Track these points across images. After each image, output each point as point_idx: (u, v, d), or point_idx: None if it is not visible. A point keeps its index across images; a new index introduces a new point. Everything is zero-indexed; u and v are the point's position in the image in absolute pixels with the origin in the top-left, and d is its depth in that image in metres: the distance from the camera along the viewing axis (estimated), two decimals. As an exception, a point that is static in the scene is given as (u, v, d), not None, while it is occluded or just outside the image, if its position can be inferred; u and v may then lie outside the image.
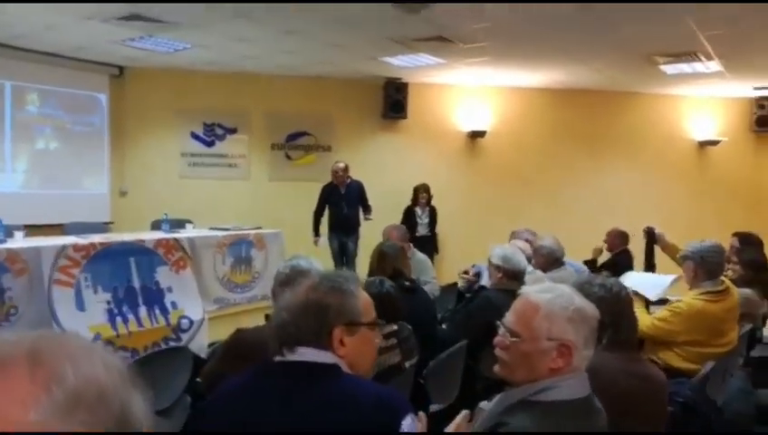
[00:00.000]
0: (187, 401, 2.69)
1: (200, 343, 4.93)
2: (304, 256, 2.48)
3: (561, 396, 1.45)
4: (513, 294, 3.36)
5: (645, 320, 3.02)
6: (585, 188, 8.79)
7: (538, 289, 1.57)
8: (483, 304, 3.22)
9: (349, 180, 7.00)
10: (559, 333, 1.47)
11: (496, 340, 1.57)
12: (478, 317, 3.15)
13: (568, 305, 1.49)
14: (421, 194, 7.88)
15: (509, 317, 1.57)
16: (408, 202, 8.04)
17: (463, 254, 8.02)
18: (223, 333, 5.49)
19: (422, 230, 7.77)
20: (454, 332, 3.24)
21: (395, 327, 2.56)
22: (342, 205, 6.94)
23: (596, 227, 8.29)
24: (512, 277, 3.30)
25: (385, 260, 3.40)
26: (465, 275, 4.77)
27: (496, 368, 1.57)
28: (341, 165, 7.00)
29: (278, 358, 1.48)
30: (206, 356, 3.18)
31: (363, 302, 1.55)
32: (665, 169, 8.83)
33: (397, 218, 7.88)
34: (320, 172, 8.08)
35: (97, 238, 4.85)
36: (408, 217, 7.86)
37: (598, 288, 2.09)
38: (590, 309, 1.51)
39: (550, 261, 4.23)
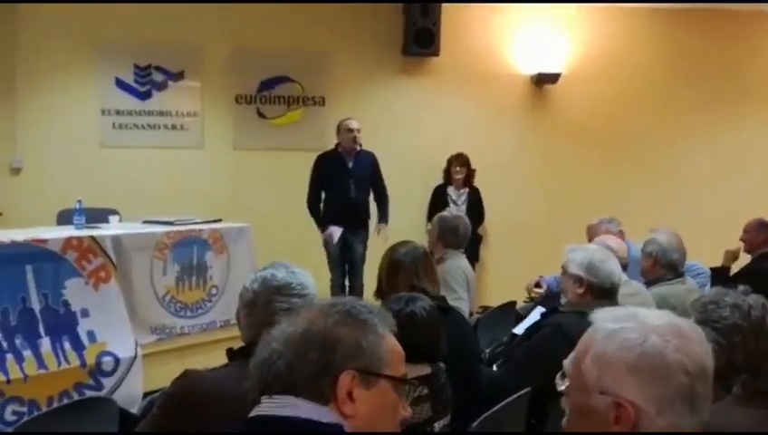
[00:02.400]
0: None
1: (131, 393, 4.95)
2: (284, 263, 2.48)
3: None
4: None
5: None
6: (711, 159, 8.70)
7: (611, 313, 1.57)
8: (552, 334, 3.21)
9: (359, 148, 7.00)
10: (613, 386, 1.46)
11: (558, 383, 1.61)
12: (545, 354, 3.13)
13: (632, 346, 1.46)
14: (456, 168, 7.87)
15: (572, 353, 1.59)
16: (439, 180, 8.03)
17: (523, 261, 8.02)
18: (165, 376, 5.53)
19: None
20: (509, 376, 3.22)
21: (428, 370, 2.56)
22: (349, 184, 6.96)
23: (729, 218, 8.27)
24: (600, 295, 3.28)
25: (397, 274, 3.39)
26: (537, 290, 4.74)
27: (563, 422, 1.60)
28: (355, 123, 7.01)
29: (255, 411, 1.51)
30: (138, 411, 3.20)
31: (390, 347, 1.57)
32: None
33: (420, 207, 7.90)
34: (308, 136, 8.08)
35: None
36: (438, 204, 7.86)
37: (729, 311, 2.05)
38: (681, 357, 1.46)
39: (660, 267, 4.19)
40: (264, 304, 2.34)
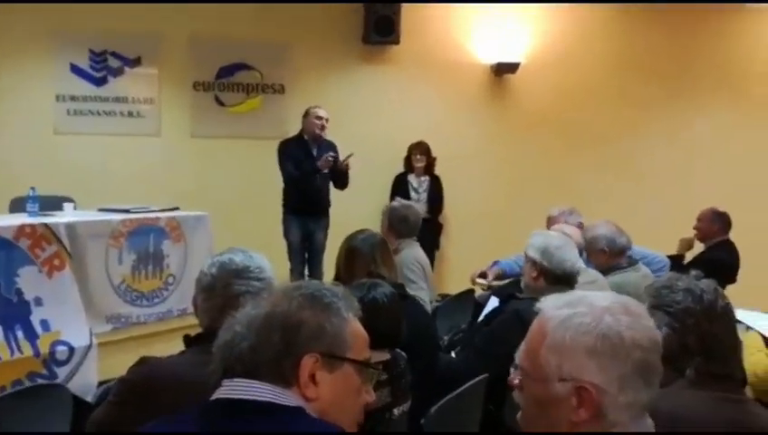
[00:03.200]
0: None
1: (86, 382, 4.90)
2: (241, 248, 2.47)
3: None
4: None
5: (760, 362, 3.08)
6: (667, 149, 8.82)
7: (559, 299, 1.58)
8: (510, 320, 3.23)
9: (323, 137, 6.99)
10: (574, 371, 1.47)
11: (510, 377, 1.62)
12: (502, 340, 3.15)
13: (590, 329, 1.48)
14: (416, 156, 7.89)
15: (522, 344, 1.60)
16: (400, 169, 8.04)
17: (482, 249, 8.06)
18: (121, 366, 5.47)
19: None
20: (467, 363, 3.24)
21: (387, 356, 2.56)
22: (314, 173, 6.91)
23: (685, 207, 8.38)
24: (554, 281, 3.31)
25: (354, 261, 3.41)
26: (480, 280, 4.77)
27: (518, 417, 1.61)
28: (324, 112, 6.98)
29: (217, 394, 1.51)
30: (93, 400, 3.16)
31: (354, 330, 1.58)
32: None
33: (381, 195, 7.90)
34: (268, 124, 8.05)
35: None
36: (399, 192, 7.87)
37: (682, 295, 2.08)
38: (634, 333, 1.49)
39: (613, 256, 4.25)
40: (223, 287, 2.34)
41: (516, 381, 1.58)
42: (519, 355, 1.59)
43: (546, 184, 8.49)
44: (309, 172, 6.80)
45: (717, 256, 5.87)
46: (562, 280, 3.36)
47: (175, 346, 5.95)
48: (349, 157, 6.84)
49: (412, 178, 7.96)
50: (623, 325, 1.48)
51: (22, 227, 5.00)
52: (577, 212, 5.13)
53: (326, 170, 6.79)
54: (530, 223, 8.29)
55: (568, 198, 7.99)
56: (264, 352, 1.49)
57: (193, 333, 2.47)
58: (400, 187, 7.94)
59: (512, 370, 1.61)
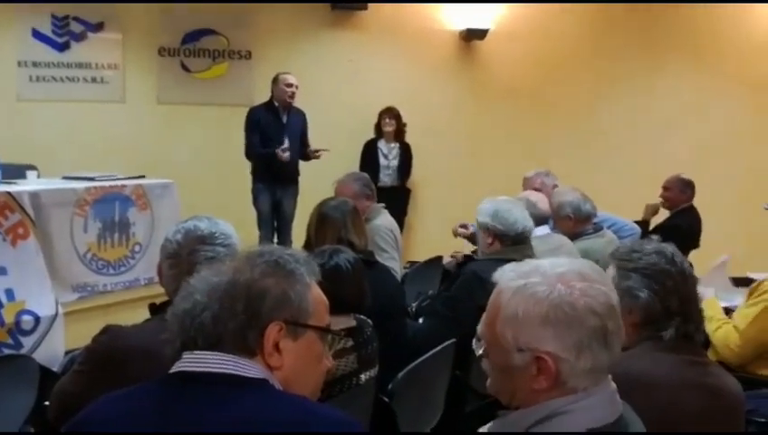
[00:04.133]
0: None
1: (52, 352, 4.89)
2: (207, 215, 2.46)
3: (573, 426, 1.47)
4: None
5: (730, 334, 3.15)
6: (634, 118, 8.87)
7: (513, 271, 1.58)
8: (469, 282, 3.27)
9: (292, 104, 6.96)
10: (530, 341, 1.49)
11: (473, 347, 1.63)
12: (463, 302, 3.20)
13: (542, 299, 1.49)
14: (386, 120, 7.88)
15: (483, 315, 1.61)
16: (368, 136, 8.03)
17: (450, 216, 8.08)
18: (87, 335, 5.46)
19: (387, 178, 7.81)
20: (432, 327, 3.27)
21: (353, 322, 2.58)
22: (284, 139, 6.88)
23: (651, 175, 8.47)
24: (510, 243, 3.37)
25: (325, 227, 3.43)
26: (462, 230, 4.80)
27: (488, 384, 1.62)
28: (293, 79, 6.95)
29: (178, 367, 1.49)
30: (59, 369, 3.16)
31: (315, 296, 1.57)
32: (753, 81, 8.95)
33: (351, 162, 7.89)
34: (234, 91, 8.00)
35: None
36: (368, 158, 7.86)
37: (656, 257, 2.10)
38: (588, 299, 1.50)
39: (579, 223, 4.29)
40: (188, 253, 2.33)
41: (480, 351, 1.60)
42: (480, 326, 1.60)
43: (515, 151, 8.52)
44: (270, 154, 6.78)
45: (682, 222, 5.94)
46: (516, 240, 3.43)
47: (141, 315, 5.92)
48: (321, 151, 6.89)
49: (382, 145, 7.94)
50: (576, 292, 1.49)
51: (-16, 196, 4.94)
52: (553, 174, 5.17)
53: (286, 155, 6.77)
54: (498, 189, 8.31)
55: (535, 164, 8.03)
56: (227, 322, 1.46)
57: (159, 301, 2.46)
58: (370, 153, 7.92)
59: (474, 341, 1.62)
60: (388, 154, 7.96)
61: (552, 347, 1.47)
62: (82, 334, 5.27)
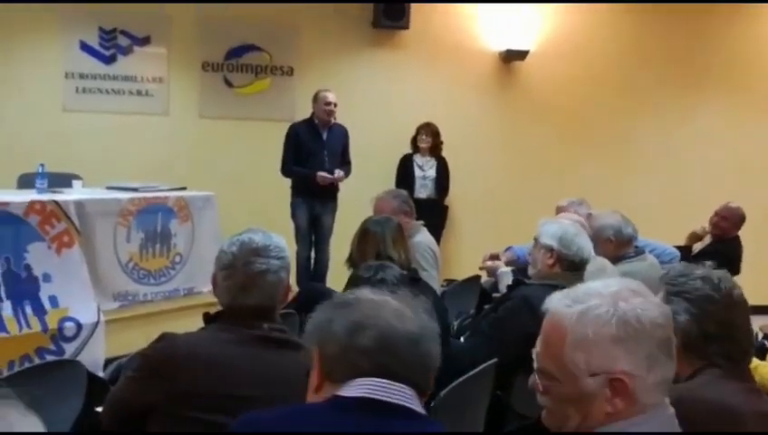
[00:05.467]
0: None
1: (92, 359, 4.93)
2: (260, 229, 2.50)
3: None
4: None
5: None
6: (670, 141, 8.82)
7: (565, 298, 1.58)
8: (518, 306, 3.26)
9: (334, 120, 6.98)
10: (603, 364, 1.49)
11: (530, 381, 1.62)
12: (511, 326, 3.18)
13: (608, 318, 1.49)
14: (422, 136, 7.88)
15: (538, 345, 1.61)
16: (407, 153, 8.05)
17: (486, 235, 8.09)
18: (127, 343, 5.51)
19: (423, 191, 7.80)
20: (476, 347, 3.26)
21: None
22: (324, 157, 6.93)
23: (685, 198, 8.42)
24: (570, 268, 3.35)
25: (366, 241, 3.45)
26: (489, 264, 4.76)
27: (543, 416, 1.61)
28: (332, 96, 6.99)
29: (359, 392, 1.55)
30: (106, 376, 3.18)
31: None
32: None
33: (387, 179, 7.92)
34: (276, 106, 8.05)
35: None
36: (404, 171, 7.86)
37: (700, 283, 2.10)
38: (650, 312, 1.51)
39: (621, 246, 4.27)
40: (243, 265, 2.36)
41: (540, 386, 1.58)
42: (538, 359, 1.59)
43: (551, 172, 8.50)
44: (306, 175, 6.84)
45: (726, 249, 5.86)
46: (578, 266, 3.40)
47: (181, 325, 5.99)
48: (339, 178, 6.95)
49: (417, 158, 7.93)
50: (638, 307, 1.50)
51: (32, 204, 5.01)
52: (586, 203, 5.13)
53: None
54: (534, 209, 8.32)
55: (572, 186, 8.03)
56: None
57: (212, 311, 2.49)
58: (406, 166, 7.91)
59: (533, 376, 1.60)
60: (424, 166, 7.94)
61: (626, 365, 1.47)
62: (123, 343, 5.38)
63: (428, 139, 7.86)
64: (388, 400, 1.51)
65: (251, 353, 2.26)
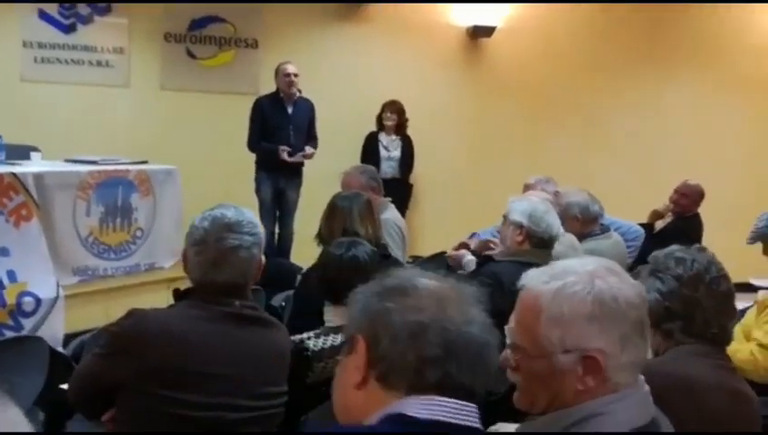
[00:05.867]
0: (38, 417, 2.66)
1: (52, 334, 4.85)
2: (232, 204, 2.45)
3: (611, 426, 1.46)
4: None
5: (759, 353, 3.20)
6: (637, 117, 8.88)
7: (542, 274, 1.57)
8: (486, 283, 3.23)
9: (298, 95, 6.90)
10: (577, 341, 1.48)
11: (501, 358, 1.57)
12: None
13: (584, 296, 1.49)
14: (387, 114, 7.84)
15: (511, 321, 1.60)
16: (371, 128, 8.00)
17: (451, 212, 8.10)
18: (87, 318, 5.45)
19: (388, 170, 7.78)
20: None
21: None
22: (289, 131, 6.87)
23: (650, 175, 8.48)
24: (539, 244, 3.35)
25: (333, 217, 3.44)
26: (454, 253, 4.63)
27: (516, 397, 1.59)
28: (292, 67, 6.90)
29: (409, 409, 1.36)
30: (69, 351, 3.12)
31: None
32: (755, 89, 8.96)
33: (354, 154, 7.88)
34: (240, 79, 7.96)
35: None
36: (369, 150, 7.84)
37: (674, 262, 2.16)
38: (626, 292, 1.51)
39: (587, 223, 4.28)
40: (215, 241, 2.31)
41: (512, 362, 1.57)
42: (512, 334, 1.57)
43: (517, 149, 8.52)
44: (272, 150, 6.77)
45: (687, 226, 5.93)
46: (547, 244, 3.42)
47: (142, 300, 5.95)
48: (307, 154, 6.89)
49: (383, 137, 7.90)
50: (614, 286, 1.50)
51: (-12, 177, 4.92)
52: (553, 181, 5.15)
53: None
54: (500, 187, 8.35)
55: (538, 163, 8.04)
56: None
57: (173, 286, 2.45)
58: (371, 145, 7.88)
59: (506, 351, 1.58)
60: (389, 146, 7.91)
61: (599, 343, 1.47)
62: (82, 318, 5.30)
63: (394, 117, 7.82)
64: (463, 423, 1.36)
65: (222, 330, 2.23)
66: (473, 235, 5.20)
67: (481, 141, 8.61)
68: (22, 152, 5.96)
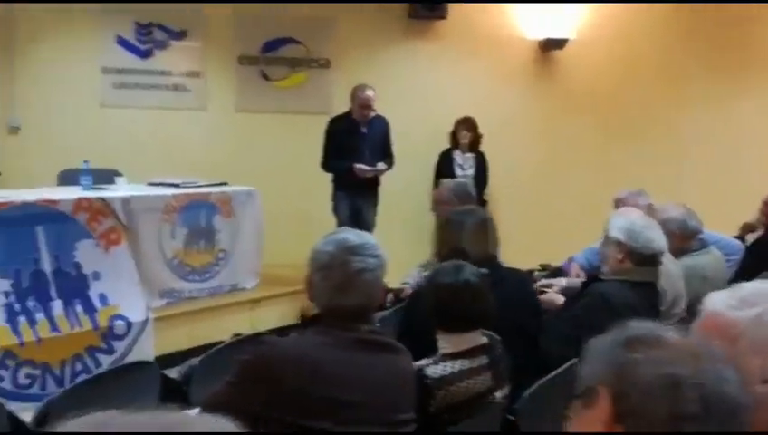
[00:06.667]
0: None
1: (142, 357, 4.89)
2: (349, 229, 2.43)
3: None
4: (646, 290, 3.29)
5: None
6: (714, 129, 8.69)
7: (729, 299, 1.50)
8: (596, 303, 3.15)
9: (373, 115, 6.88)
10: None
11: None
12: (589, 324, 3.08)
13: None
14: (462, 132, 7.80)
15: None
16: (443, 145, 7.96)
17: (525, 225, 7.99)
18: (172, 341, 5.49)
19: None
20: (553, 346, 3.17)
21: (484, 340, 2.52)
22: (363, 151, 6.82)
23: (728, 188, 8.26)
24: (641, 262, 3.24)
25: (443, 232, 3.42)
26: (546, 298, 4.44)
27: None
28: (370, 92, 6.83)
29: None
30: (178, 375, 3.12)
31: None
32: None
33: (426, 172, 7.84)
34: (313, 99, 7.99)
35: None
36: (444, 168, 7.79)
37: None
38: None
39: (685, 239, 4.16)
40: (341, 264, 2.27)
41: None
42: None
43: (591, 162, 8.41)
44: (347, 169, 6.73)
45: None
46: (649, 261, 3.28)
47: (225, 323, 5.98)
48: (381, 171, 6.86)
49: (457, 155, 7.84)
50: None
51: (79, 201, 5.02)
52: (645, 194, 5.01)
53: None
54: (573, 201, 8.31)
55: (613, 177, 7.92)
56: None
57: (311, 313, 2.41)
58: (445, 163, 7.84)
59: None
60: (464, 164, 7.85)
61: None
62: (168, 341, 5.33)
63: (468, 134, 7.76)
64: None
65: (351, 357, 2.20)
66: (570, 260, 5.04)
67: (555, 154, 8.50)
68: (107, 177, 6.06)
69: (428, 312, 2.65)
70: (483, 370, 2.50)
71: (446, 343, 2.58)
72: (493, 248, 3.58)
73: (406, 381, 2.31)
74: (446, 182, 5.20)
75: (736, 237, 5.83)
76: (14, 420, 2.62)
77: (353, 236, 2.34)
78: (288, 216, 7.42)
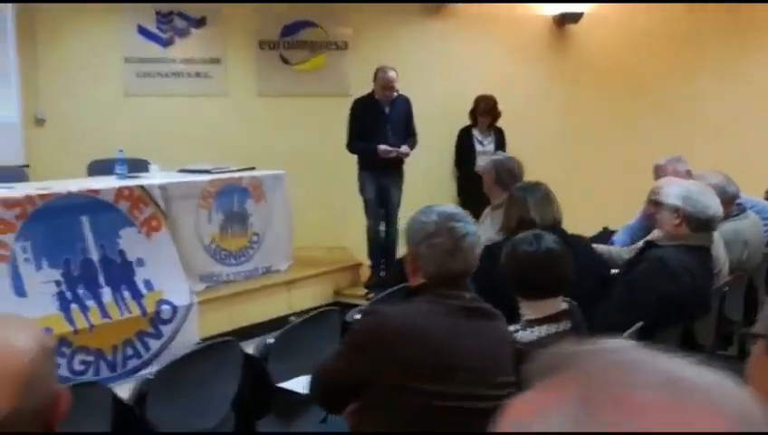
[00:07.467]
0: (231, 420, 2.72)
1: (188, 340, 5.00)
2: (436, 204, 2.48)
3: None
4: (701, 254, 3.35)
5: None
6: (732, 98, 8.69)
7: None
8: (652, 268, 3.21)
9: (396, 95, 6.90)
10: None
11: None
12: (646, 288, 3.15)
13: None
14: (482, 109, 7.83)
15: None
16: (462, 123, 7.99)
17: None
18: (214, 324, 5.56)
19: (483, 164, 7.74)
20: (613, 312, 3.22)
21: (565, 305, 2.58)
22: (387, 131, 6.83)
23: (755, 153, 8.27)
24: (698, 228, 3.29)
25: (510, 206, 3.48)
26: None
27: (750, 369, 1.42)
28: (392, 73, 6.82)
29: None
30: (255, 353, 3.17)
31: None
32: None
33: (446, 150, 7.88)
34: (332, 81, 8.03)
35: (31, 189, 4.82)
36: (464, 145, 7.83)
37: None
38: None
39: (725, 205, 4.20)
40: (447, 231, 2.33)
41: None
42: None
43: (606, 135, 8.45)
44: (371, 150, 6.74)
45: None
46: (705, 226, 3.35)
47: (263, 304, 6.04)
48: (404, 153, 6.84)
49: (477, 133, 7.89)
50: None
51: (120, 190, 5.09)
52: (684, 160, 5.04)
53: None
54: (595, 171, 8.34)
55: (630, 149, 7.97)
56: None
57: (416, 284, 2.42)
58: (466, 141, 7.89)
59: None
60: (483, 141, 7.91)
61: None
62: (209, 323, 5.40)
63: (488, 111, 7.80)
64: None
65: (458, 324, 2.26)
66: (611, 243, 4.95)
67: (571, 127, 8.54)
68: (140, 165, 6.10)
69: (509, 280, 2.72)
70: (568, 334, 2.55)
71: (528, 310, 2.64)
72: (558, 215, 3.66)
73: (506, 345, 2.38)
74: (488, 162, 5.23)
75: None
76: (118, 402, 2.69)
77: (446, 207, 2.41)
78: (312, 198, 7.46)
